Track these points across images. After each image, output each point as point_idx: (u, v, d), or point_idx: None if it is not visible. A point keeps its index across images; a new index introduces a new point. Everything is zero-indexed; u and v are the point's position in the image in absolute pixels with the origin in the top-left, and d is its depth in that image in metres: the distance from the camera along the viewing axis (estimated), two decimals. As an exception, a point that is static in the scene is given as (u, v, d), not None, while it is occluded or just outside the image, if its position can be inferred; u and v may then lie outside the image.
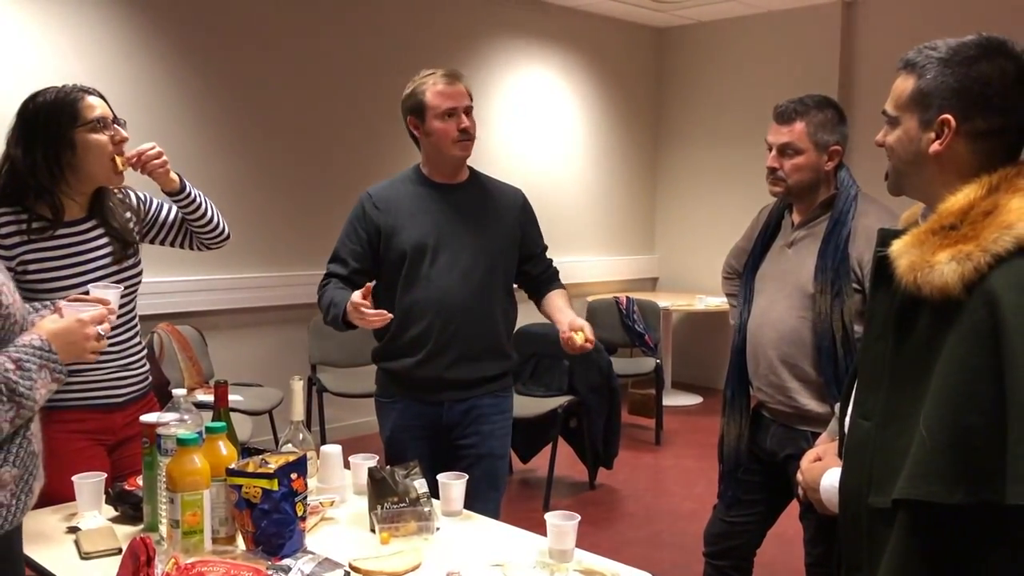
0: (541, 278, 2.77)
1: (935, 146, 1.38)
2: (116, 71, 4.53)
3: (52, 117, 2.14)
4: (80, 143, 2.15)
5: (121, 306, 2.24)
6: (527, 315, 4.98)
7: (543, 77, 6.58)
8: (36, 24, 4.28)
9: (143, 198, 2.42)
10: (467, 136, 2.53)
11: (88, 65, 4.42)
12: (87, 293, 1.99)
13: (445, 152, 2.55)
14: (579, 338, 2.44)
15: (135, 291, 2.33)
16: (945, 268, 1.27)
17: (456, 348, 2.54)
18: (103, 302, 2.00)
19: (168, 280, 4.71)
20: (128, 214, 2.35)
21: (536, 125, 6.54)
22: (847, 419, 1.59)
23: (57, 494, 2.01)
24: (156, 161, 2.28)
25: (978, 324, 1.25)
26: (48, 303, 1.76)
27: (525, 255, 2.71)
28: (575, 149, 6.86)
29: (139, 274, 2.35)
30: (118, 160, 2.20)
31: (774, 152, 2.38)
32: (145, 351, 2.41)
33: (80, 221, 2.23)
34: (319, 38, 5.30)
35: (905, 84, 1.42)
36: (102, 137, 2.17)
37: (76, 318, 1.62)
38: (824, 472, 1.64)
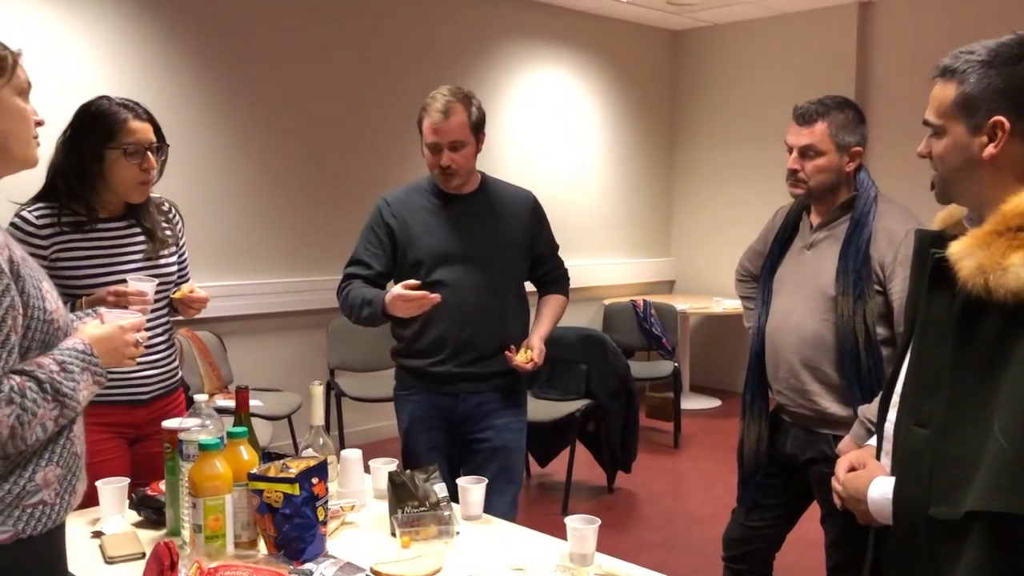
0: (547, 278, 2.84)
1: (990, 149, 1.35)
2: (141, 80, 4.56)
3: (91, 129, 2.22)
4: (108, 161, 2.22)
5: (159, 307, 2.31)
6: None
7: (559, 81, 6.59)
8: (69, 33, 4.32)
9: (180, 232, 2.50)
10: (446, 173, 2.58)
11: (116, 75, 4.46)
12: (124, 283, 2.10)
13: (434, 178, 2.64)
14: (521, 357, 2.58)
15: (167, 290, 2.39)
16: (1022, 271, 1.23)
17: (472, 351, 2.62)
18: (140, 293, 2.10)
19: (187, 286, 4.74)
20: (163, 221, 2.42)
21: (552, 129, 6.54)
22: (889, 424, 1.55)
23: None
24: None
25: None
26: (91, 311, 1.80)
27: (536, 257, 2.77)
28: (591, 152, 6.86)
29: (172, 274, 2.41)
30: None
31: (795, 154, 2.36)
32: (175, 348, 2.47)
33: (117, 219, 2.32)
34: (336, 45, 5.32)
35: (946, 91, 1.39)
36: (130, 164, 2.23)
37: (117, 324, 1.66)
38: (871, 481, 1.53)
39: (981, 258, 1.28)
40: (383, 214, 2.68)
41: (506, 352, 2.58)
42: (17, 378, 1.41)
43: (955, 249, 1.33)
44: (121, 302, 2.09)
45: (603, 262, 6.88)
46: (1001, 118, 1.33)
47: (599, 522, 1.84)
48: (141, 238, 2.34)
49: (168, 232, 2.42)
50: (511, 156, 6.03)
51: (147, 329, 2.24)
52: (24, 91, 1.53)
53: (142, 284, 2.13)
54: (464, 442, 2.71)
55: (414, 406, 2.71)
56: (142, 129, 2.26)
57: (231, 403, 2.09)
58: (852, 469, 1.65)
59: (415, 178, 2.79)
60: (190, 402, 2.02)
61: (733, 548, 2.65)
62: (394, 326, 2.71)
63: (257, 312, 5.06)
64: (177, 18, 4.72)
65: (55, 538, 1.54)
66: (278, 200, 5.16)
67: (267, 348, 5.13)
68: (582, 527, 1.82)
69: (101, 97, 2.28)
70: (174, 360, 2.44)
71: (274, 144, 5.13)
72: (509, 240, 2.68)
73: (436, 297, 2.45)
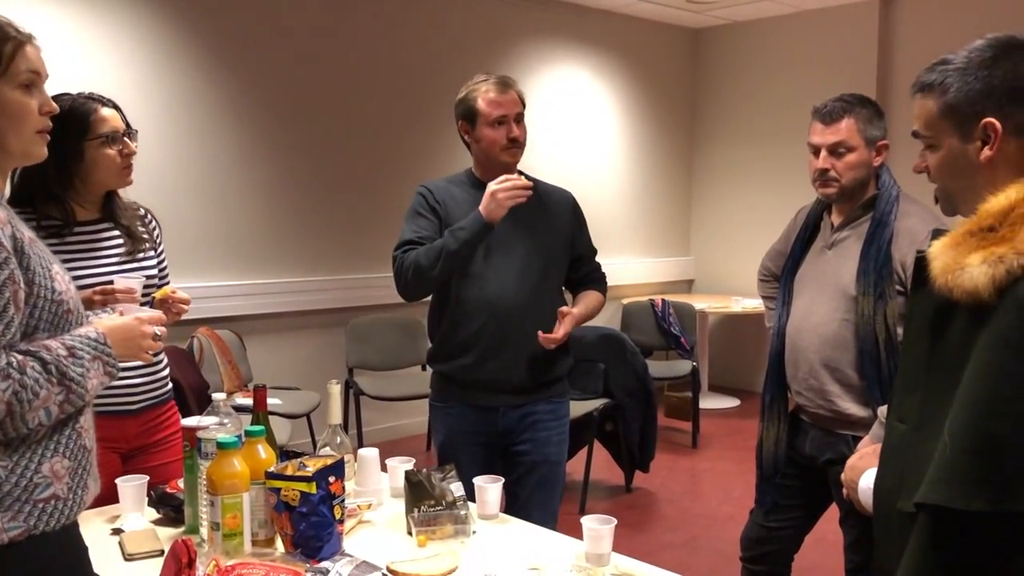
0: (585, 280, 2.74)
1: (986, 152, 1.34)
2: (160, 79, 4.60)
3: (64, 126, 2.11)
4: (89, 155, 2.19)
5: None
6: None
7: (578, 79, 6.58)
8: (85, 33, 4.36)
9: (158, 237, 2.42)
10: (516, 144, 2.53)
11: (135, 74, 4.50)
12: (110, 284, 2.04)
13: (494, 158, 2.54)
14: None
15: (148, 294, 2.29)
16: (975, 271, 1.24)
17: (511, 348, 2.52)
18: (128, 290, 2.02)
19: (207, 285, 4.77)
20: (139, 223, 2.36)
21: (571, 127, 6.53)
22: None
23: None
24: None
25: (1007, 330, 1.22)
26: (108, 308, 1.79)
27: (575, 256, 2.69)
28: (610, 151, 6.85)
29: (153, 277, 2.34)
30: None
31: (824, 153, 2.33)
32: (164, 358, 2.39)
33: (94, 221, 2.27)
34: (356, 43, 5.34)
35: (927, 104, 1.40)
36: (111, 151, 2.20)
37: (135, 316, 1.63)
38: (864, 472, 1.65)
39: (947, 258, 1.30)
40: (427, 199, 2.57)
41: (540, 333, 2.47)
42: (19, 356, 1.37)
43: (933, 248, 1.35)
44: (108, 301, 2.02)
45: (622, 261, 6.86)
46: (991, 119, 1.33)
47: (615, 522, 1.83)
48: (119, 240, 2.28)
49: (144, 235, 2.36)
50: (530, 154, 5.98)
51: None
52: (27, 83, 1.48)
53: (129, 281, 2.06)
54: (503, 455, 2.61)
55: (452, 420, 2.60)
56: (112, 117, 2.22)
57: (250, 401, 2.10)
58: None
59: (436, 176, 2.76)
60: (208, 401, 2.02)
61: (751, 549, 2.64)
62: (434, 323, 2.63)
63: (277, 311, 5.09)
64: (194, 15, 4.75)
65: (71, 535, 1.51)
66: (297, 199, 5.19)
67: (287, 347, 5.16)
68: (598, 527, 1.82)
69: (61, 94, 2.20)
70: (163, 368, 2.37)
71: (294, 142, 5.15)
72: (550, 237, 2.60)
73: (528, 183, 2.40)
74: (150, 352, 1.65)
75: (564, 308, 2.53)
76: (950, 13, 5.86)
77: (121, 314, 1.65)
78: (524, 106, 2.57)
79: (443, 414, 2.63)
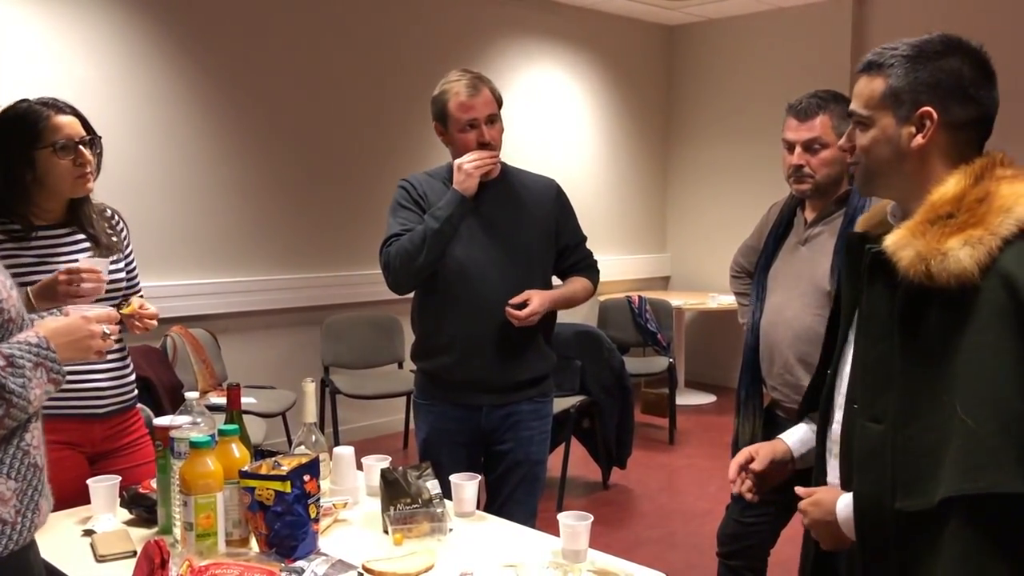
0: (574, 268, 2.71)
1: (918, 139, 1.39)
2: (130, 76, 4.55)
3: (13, 134, 2.09)
4: (41, 163, 2.10)
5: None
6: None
7: (554, 76, 6.58)
8: (52, 31, 4.30)
9: (126, 240, 2.36)
10: (488, 148, 2.50)
11: (104, 72, 4.45)
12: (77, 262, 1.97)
13: None
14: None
15: (115, 298, 2.25)
16: (960, 253, 1.27)
17: (493, 345, 2.49)
18: (93, 271, 1.97)
19: (180, 283, 4.73)
20: (107, 227, 2.30)
21: (547, 124, 6.53)
22: (836, 426, 1.55)
23: None
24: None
25: (1000, 307, 1.24)
26: (55, 310, 1.72)
27: (562, 246, 2.66)
28: (586, 148, 6.86)
29: (120, 280, 2.28)
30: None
31: (798, 150, 2.34)
32: (129, 362, 2.34)
33: (58, 225, 2.20)
34: (330, 39, 5.31)
35: (873, 84, 1.43)
36: (63, 160, 2.11)
37: (80, 315, 1.55)
38: (835, 501, 1.49)
39: (919, 247, 1.31)
40: (410, 192, 2.55)
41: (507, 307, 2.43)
42: None
43: (891, 242, 1.36)
44: (73, 281, 1.97)
45: (598, 258, 6.81)
46: (929, 109, 1.38)
47: (591, 519, 1.83)
48: (85, 245, 2.21)
49: (113, 239, 2.29)
50: (505, 151, 6.00)
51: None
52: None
53: (95, 262, 2.00)
54: (486, 453, 2.61)
55: (434, 418, 2.60)
56: (68, 123, 2.12)
57: (224, 400, 2.08)
58: (750, 460, 1.74)
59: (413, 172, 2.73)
60: (182, 400, 2.00)
61: (728, 544, 2.65)
62: (418, 319, 2.61)
63: (251, 309, 5.05)
64: (165, 13, 4.70)
65: (22, 561, 1.41)
66: (272, 196, 5.15)
67: (261, 345, 5.12)
68: (574, 524, 1.82)
69: (19, 101, 2.14)
70: (130, 374, 2.32)
71: (268, 141, 5.11)
72: (533, 228, 2.57)
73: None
74: (103, 352, 1.59)
75: (530, 291, 2.49)
76: (922, 10, 5.91)
77: (67, 314, 1.57)
78: (500, 104, 2.55)
79: (426, 412, 2.62)
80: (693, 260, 7.35)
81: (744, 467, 1.78)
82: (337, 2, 5.33)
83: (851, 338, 1.53)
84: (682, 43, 7.31)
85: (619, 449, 4.63)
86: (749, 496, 1.78)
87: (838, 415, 1.55)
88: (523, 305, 2.45)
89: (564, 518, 1.83)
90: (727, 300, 6.22)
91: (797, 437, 1.81)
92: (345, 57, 5.39)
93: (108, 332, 1.61)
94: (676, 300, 6.33)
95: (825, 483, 1.61)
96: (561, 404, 4.39)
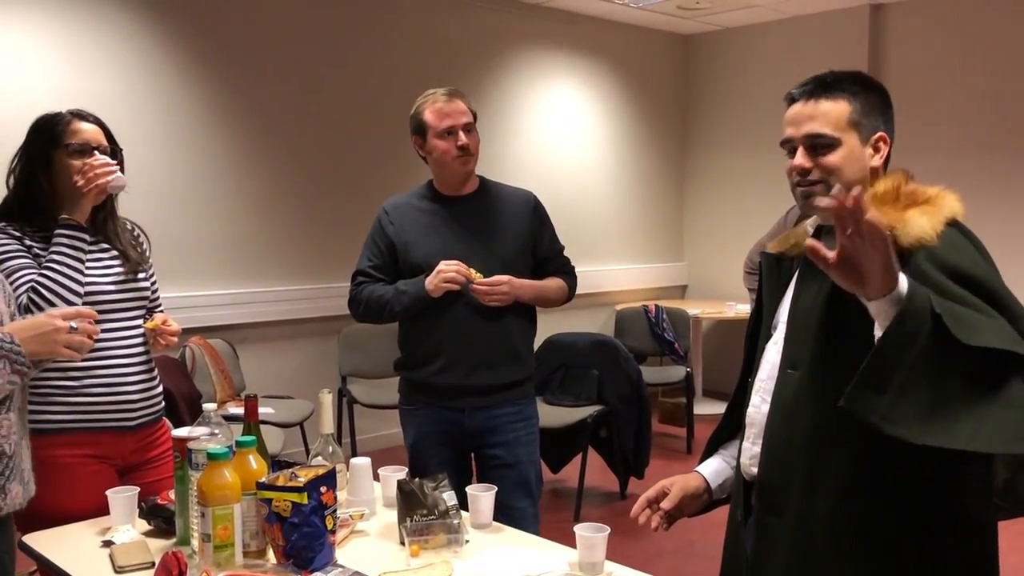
0: (552, 274, 2.76)
1: (876, 160, 1.54)
2: (151, 88, 4.59)
3: (37, 137, 2.18)
4: (55, 164, 2.16)
5: (137, 328, 2.26)
6: (555, 325, 4.98)
7: (570, 87, 6.58)
8: (72, 44, 4.35)
9: (148, 256, 2.39)
10: (466, 152, 2.58)
11: (124, 84, 4.49)
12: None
13: (448, 168, 2.61)
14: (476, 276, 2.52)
15: (142, 307, 2.30)
16: (921, 221, 1.42)
17: (473, 356, 2.58)
18: (106, 163, 2.07)
19: (199, 294, 4.76)
20: (132, 241, 2.34)
21: (564, 134, 6.53)
22: (753, 410, 1.69)
23: (72, 514, 2.07)
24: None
25: (921, 273, 1.40)
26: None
27: (539, 258, 2.72)
28: (603, 158, 6.85)
29: (147, 289, 2.33)
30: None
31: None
32: (156, 374, 2.36)
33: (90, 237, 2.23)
34: (347, 51, 5.34)
35: (838, 107, 1.53)
36: (76, 162, 2.15)
37: (47, 313, 1.61)
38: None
39: (884, 220, 1.37)
40: (381, 223, 2.68)
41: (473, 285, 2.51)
42: None
43: None
44: (87, 171, 2.09)
45: (615, 267, 6.87)
46: (884, 134, 1.54)
47: (608, 530, 1.83)
48: (117, 259, 2.26)
49: (140, 251, 2.34)
50: (523, 162, 6.03)
51: (123, 349, 2.20)
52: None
53: (120, 179, 2.09)
54: (476, 457, 2.69)
55: (419, 421, 2.68)
56: (87, 130, 2.18)
57: (242, 411, 2.09)
58: (662, 495, 1.79)
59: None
60: (200, 411, 2.01)
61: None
62: (403, 335, 2.70)
63: (269, 319, 5.08)
64: (186, 29, 4.74)
65: None
66: (290, 207, 5.18)
67: (279, 355, 5.15)
68: (591, 535, 1.81)
69: (54, 113, 2.23)
70: (157, 385, 2.34)
71: (286, 151, 5.14)
72: (510, 241, 2.63)
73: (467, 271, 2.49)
74: (78, 348, 1.62)
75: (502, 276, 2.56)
76: (938, 20, 5.88)
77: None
78: (475, 117, 2.62)
79: (411, 416, 2.71)
80: (710, 269, 7.33)
81: (653, 502, 1.80)
82: (360, 16, 5.36)
83: (767, 347, 1.67)
84: (698, 52, 7.30)
85: (636, 459, 4.61)
86: (656, 529, 1.81)
87: (756, 398, 1.67)
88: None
89: (581, 530, 1.82)
90: (744, 309, 6.19)
91: (712, 468, 1.87)
92: (362, 71, 5.41)
93: (75, 327, 1.64)
94: (693, 309, 6.30)
95: (746, 504, 1.76)
96: (578, 414, 4.39)
